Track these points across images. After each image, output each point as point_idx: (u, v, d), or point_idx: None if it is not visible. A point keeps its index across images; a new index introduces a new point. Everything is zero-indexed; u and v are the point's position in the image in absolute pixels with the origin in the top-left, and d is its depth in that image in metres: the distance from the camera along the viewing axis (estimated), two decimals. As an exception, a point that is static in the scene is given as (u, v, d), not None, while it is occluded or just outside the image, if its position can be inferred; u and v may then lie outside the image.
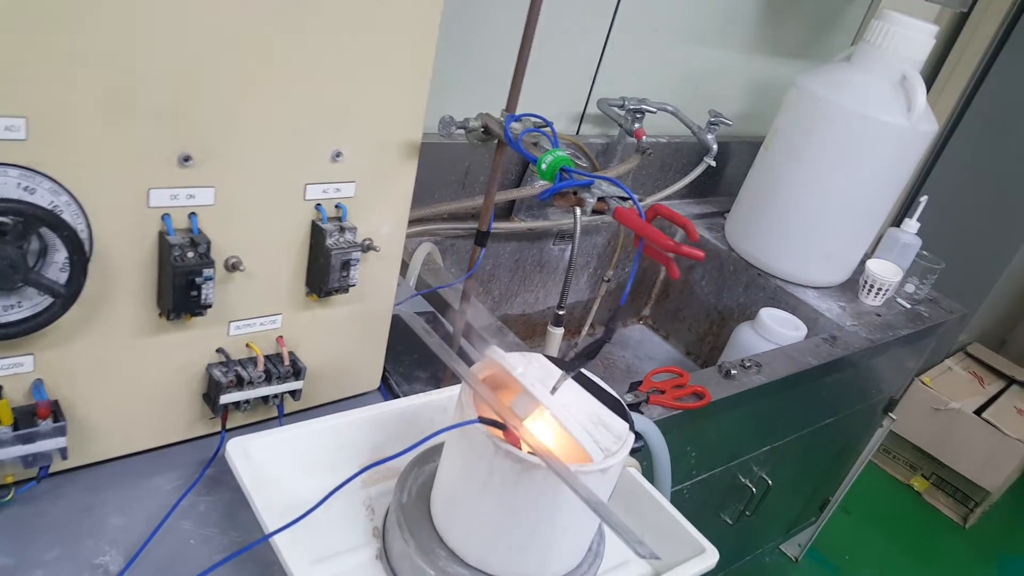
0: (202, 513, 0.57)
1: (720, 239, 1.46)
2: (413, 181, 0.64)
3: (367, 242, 0.63)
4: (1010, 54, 1.94)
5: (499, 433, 0.49)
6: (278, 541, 0.52)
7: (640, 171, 1.42)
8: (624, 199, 0.53)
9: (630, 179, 1.39)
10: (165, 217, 0.51)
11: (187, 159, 0.51)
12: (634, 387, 0.91)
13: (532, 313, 1.37)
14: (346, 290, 0.61)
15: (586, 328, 1.46)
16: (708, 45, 1.40)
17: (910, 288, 1.39)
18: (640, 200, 1.14)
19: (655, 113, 1.23)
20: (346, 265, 0.59)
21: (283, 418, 0.65)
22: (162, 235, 0.52)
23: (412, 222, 1.09)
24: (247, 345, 0.61)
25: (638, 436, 0.78)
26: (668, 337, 1.58)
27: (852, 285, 1.39)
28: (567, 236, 1.32)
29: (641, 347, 1.55)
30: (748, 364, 1.03)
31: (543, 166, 0.55)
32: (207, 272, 0.51)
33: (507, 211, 1.24)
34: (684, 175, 1.35)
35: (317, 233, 0.59)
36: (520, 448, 0.48)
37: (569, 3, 1.14)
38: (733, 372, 1.00)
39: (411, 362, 0.80)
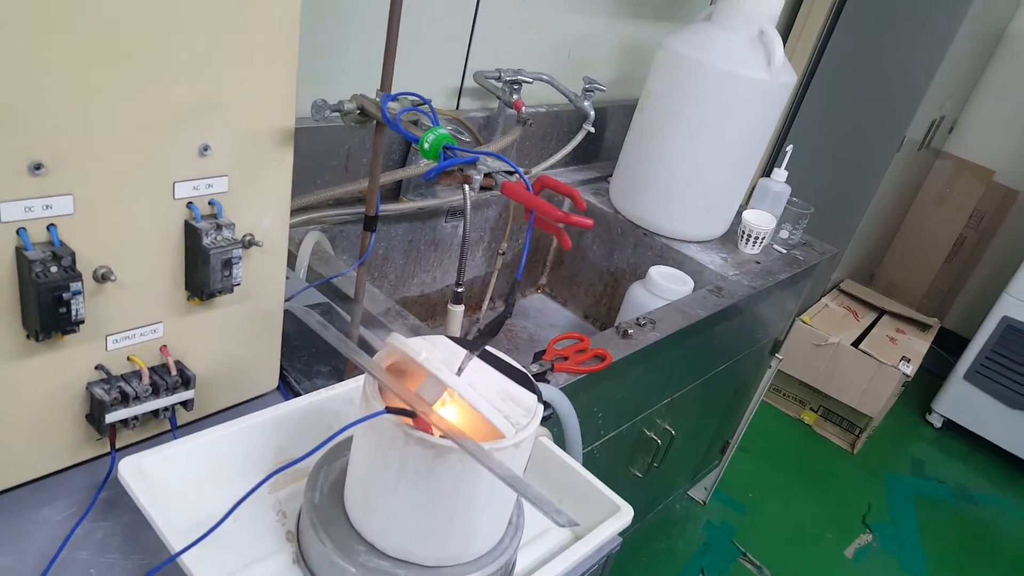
0: (100, 540, 0.55)
1: (606, 203, 1.51)
2: (291, 169, 0.63)
3: (248, 238, 0.61)
4: (855, 3, 2.09)
5: (409, 421, 0.49)
6: (187, 560, 0.50)
7: (523, 142, 1.44)
8: (510, 173, 0.54)
9: (513, 151, 1.40)
10: (21, 231, 0.48)
11: (38, 167, 0.47)
12: (538, 357, 0.93)
13: (431, 293, 1.37)
14: (230, 290, 0.59)
15: (486, 303, 1.47)
16: (576, 11, 1.43)
17: (784, 234, 1.49)
18: (525, 171, 1.16)
19: (531, 83, 1.24)
20: (227, 264, 0.57)
21: (177, 430, 0.63)
22: (19, 251, 0.48)
23: (296, 211, 1.06)
24: (129, 358, 0.58)
25: (547, 405, 0.81)
26: (566, 303, 1.62)
27: (731, 236, 1.47)
28: (458, 213, 1.32)
29: (541, 315, 1.59)
30: (643, 322, 1.08)
31: (425, 145, 0.55)
32: (74, 286, 0.49)
33: (395, 192, 1.23)
34: (565, 143, 1.38)
35: (192, 233, 0.56)
36: (431, 433, 0.49)
37: (435, -25, 1.13)
38: (630, 332, 1.04)
39: (309, 357, 0.79)
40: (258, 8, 0.54)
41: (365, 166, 1.17)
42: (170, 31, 0.50)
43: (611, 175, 1.52)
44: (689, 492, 1.93)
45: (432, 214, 1.28)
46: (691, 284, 1.31)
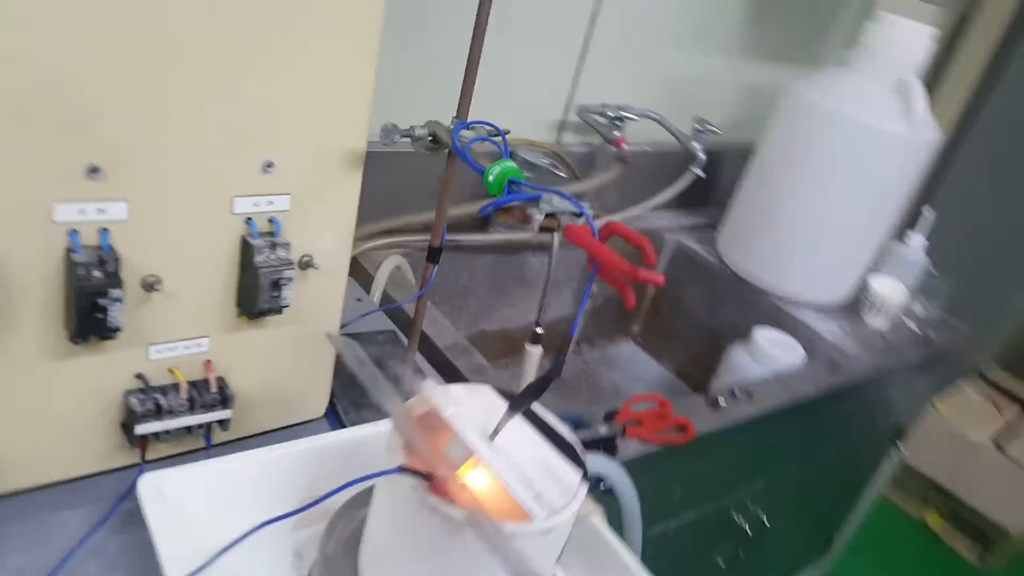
0: (112, 554, 0.55)
1: (712, 252, 1.45)
2: (358, 193, 0.63)
3: (306, 259, 0.61)
4: (1019, 56, 1.94)
5: (428, 484, 0.46)
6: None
7: (623, 182, 1.41)
8: (577, 215, 0.51)
9: (612, 190, 1.38)
10: (72, 234, 0.50)
11: (95, 170, 0.49)
12: (610, 417, 0.89)
13: (512, 329, 1.36)
14: (279, 311, 0.60)
15: (571, 346, 1.44)
16: (693, 49, 1.39)
17: (918, 308, 1.38)
18: (621, 212, 1.12)
19: (637, 121, 1.22)
20: (277, 284, 0.58)
21: (211, 449, 0.63)
22: (68, 252, 0.50)
23: (380, 234, 1.07)
24: (170, 370, 0.59)
25: (599, 481, 0.76)
26: (659, 357, 1.57)
27: (855, 305, 1.38)
28: (547, 248, 1.30)
29: (630, 366, 1.54)
30: (738, 394, 1.01)
31: (490, 178, 0.54)
32: (114, 293, 0.50)
33: (484, 222, 1.23)
34: (671, 185, 1.34)
35: (247, 250, 0.57)
36: (449, 501, 0.45)
37: (545, 6, 1.13)
38: (721, 402, 0.98)
39: (362, 388, 0.79)
40: (335, 23, 0.54)
41: (458, 194, 1.17)
42: (243, 45, 0.51)
43: (720, 223, 1.46)
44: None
45: (519, 248, 1.26)
46: (801, 353, 1.23)
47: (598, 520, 0.64)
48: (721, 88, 1.50)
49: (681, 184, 1.28)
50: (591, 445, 0.83)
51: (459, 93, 0.61)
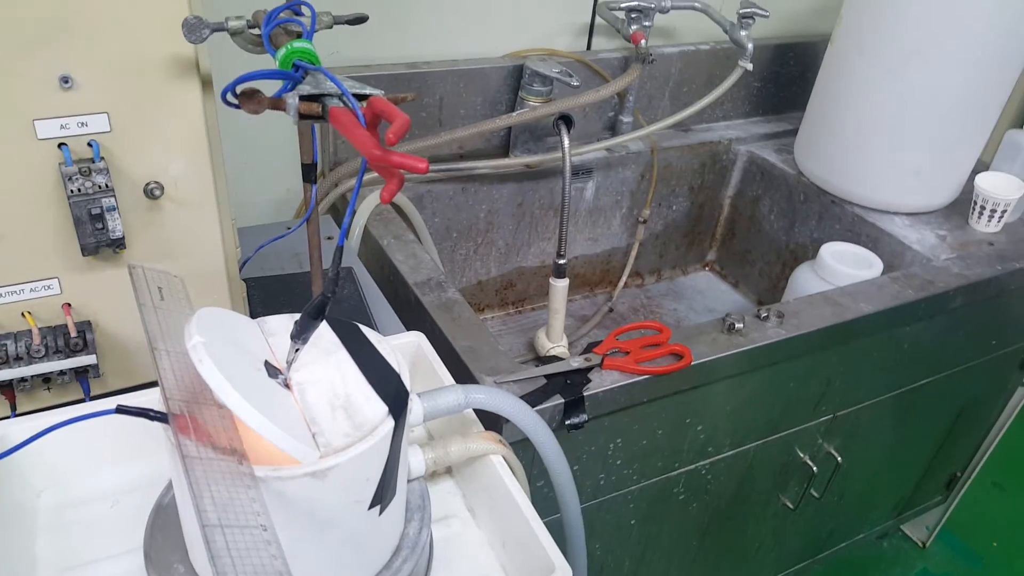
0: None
1: (789, 162, 1.22)
2: (200, 106, 0.53)
3: (152, 186, 0.53)
4: None
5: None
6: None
7: (679, 87, 1.21)
8: (363, 97, 0.38)
9: (665, 98, 1.19)
10: None
11: None
12: (590, 348, 0.75)
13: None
14: (114, 245, 0.52)
15: (624, 278, 1.28)
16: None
17: (1043, 207, 1.08)
18: (663, 121, 0.93)
19: (667, 13, 1.02)
20: (96, 216, 0.50)
21: (92, 399, 0.58)
22: None
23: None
24: (23, 315, 0.54)
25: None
26: (737, 284, 1.37)
27: (962, 208, 1.10)
28: (581, 172, 1.15)
29: (702, 297, 1.35)
30: (765, 315, 0.82)
31: (276, 62, 0.42)
32: None
33: (503, 147, 1.10)
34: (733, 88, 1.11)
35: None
36: (194, 438, 0.37)
37: None
38: (738, 326, 0.80)
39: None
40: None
41: (463, 117, 1.05)
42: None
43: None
44: (906, 528, 1.56)
45: (547, 173, 1.12)
46: (879, 267, 1.00)
47: (497, 460, 0.52)
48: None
49: (728, 82, 1.07)
50: (556, 380, 0.70)
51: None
